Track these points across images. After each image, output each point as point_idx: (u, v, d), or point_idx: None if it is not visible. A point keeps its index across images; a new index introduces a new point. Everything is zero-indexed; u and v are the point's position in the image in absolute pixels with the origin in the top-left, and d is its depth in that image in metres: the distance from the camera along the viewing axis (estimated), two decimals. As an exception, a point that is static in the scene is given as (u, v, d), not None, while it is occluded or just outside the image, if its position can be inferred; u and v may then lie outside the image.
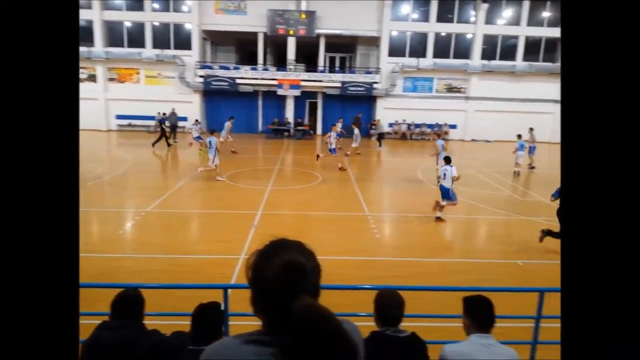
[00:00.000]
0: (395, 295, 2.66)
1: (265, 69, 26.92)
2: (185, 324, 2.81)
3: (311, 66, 27.29)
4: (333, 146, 16.95)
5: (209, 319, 2.69)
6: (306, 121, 27.18)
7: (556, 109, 26.93)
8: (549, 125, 26.24)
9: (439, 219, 10.90)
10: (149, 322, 3.03)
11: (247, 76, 26.08)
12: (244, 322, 4.20)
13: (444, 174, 10.78)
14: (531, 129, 18.88)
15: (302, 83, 25.74)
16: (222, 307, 2.99)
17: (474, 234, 10.61)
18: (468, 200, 13.05)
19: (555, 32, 26.52)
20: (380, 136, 23.56)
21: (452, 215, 11.85)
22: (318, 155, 17.42)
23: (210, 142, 14.26)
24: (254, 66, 26.85)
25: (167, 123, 22.38)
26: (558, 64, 26.38)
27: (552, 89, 26.82)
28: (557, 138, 26.44)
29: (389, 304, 2.61)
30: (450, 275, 7.66)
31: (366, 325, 2.77)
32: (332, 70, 27.76)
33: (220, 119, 28.67)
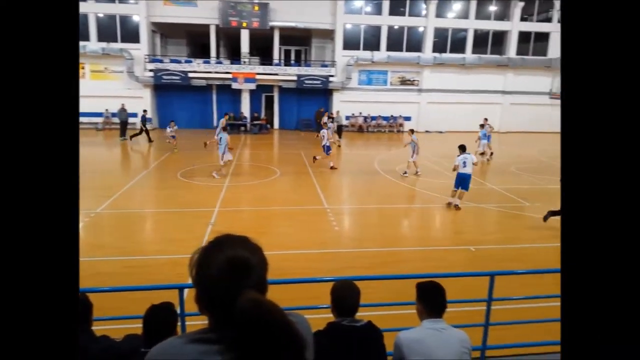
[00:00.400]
0: (351, 286, 2.67)
1: (219, 62, 26.32)
2: (140, 327, 2.71)
3: (266, 59, 26.96)
4: (327, 142, 15.86)
5: (161, 320, 2.61)
6: (263, 115, 26.87)
7: (504, 99, 28.13)
8: (497, 115, 27.39)
9: (457, 207, 11.25)
10: (101, 328, 2.90)
11: (200, 70, 25.39)
12: (202, 322, 4.09)
13: (464, 162, 11.00)
14: (486, 119, 19.60)
15: (258, 76, 25.39)
16: (177, 308, 2.90)
17: (429, 222, 10.92)
18: (423, 190, 13.41)
19: (502, 26, 27.62)
20: (339, 129, 23.75)
21: (409, 205, 12.14)
22: (315, 157, 16.30)
23: (220, 138, 14.00)
24: (207, 59, 26.18)
25: (118, 119, 22.03)
26: (505, 56, 27.53)
27: (500, 80, 27.96)
28: (506, 127, 27.65)
29: (344, 295, 2.62)
30: (407, 264, 7.85)
31: (325, 318, 2.78)
32: (287, 63, 27.56)
33: (172, 115, 27.73)
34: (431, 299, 2.65)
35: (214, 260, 1.11)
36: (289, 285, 5.51)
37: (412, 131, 15.72)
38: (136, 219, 10.17)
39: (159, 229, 9.68)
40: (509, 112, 27.44)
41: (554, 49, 27.15)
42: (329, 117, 23.22)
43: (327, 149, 15.75)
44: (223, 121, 18.22)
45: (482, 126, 17.99)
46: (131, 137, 21.05)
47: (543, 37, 27.92)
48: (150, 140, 21.14)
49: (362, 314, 3.33)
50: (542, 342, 4.12)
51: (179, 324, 3.74)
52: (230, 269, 1.09)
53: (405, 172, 14.95)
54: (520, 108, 27.62)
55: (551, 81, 23.36)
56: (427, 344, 2.50)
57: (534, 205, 11.87)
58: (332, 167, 15.72)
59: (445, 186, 13.88)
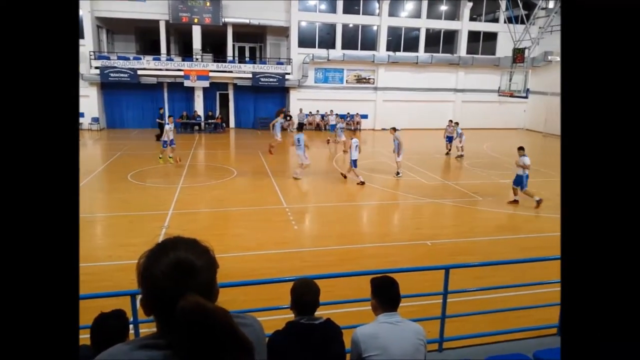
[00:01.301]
0: (309, 284, 2.67)
1: (170, 59, 25.46)
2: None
3: (220, 56, 26.37)
4: (354, 155, 13.46)
5: (110, 329, 2.49)
6: (217, 114, 26.29)
7: (456, 97, 29.08)
8: (450, 112, 28.28)
9: (517, 201, 11.87)
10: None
11: (150, 67, 24.44)
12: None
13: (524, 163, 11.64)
14: (450, 121, 20.09)
15: (211, 74, 24.79)
16: (130, 316, 2.77)
17: (388, 219, 11.09)
18: (381, 187, 13.60)
19: (452, 25, 28.51)
20: (300, 127, 23.70)
21: (369, 203, 12.27)
22: (344, 175, 14.34)
23: (298, 139, 13.91)
24: (157, 56, 25.24)
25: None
26: (456, 55, 28.44)
27: (452, 78, 28.86)
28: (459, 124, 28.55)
29: (302, 293, 2.61)
30: (367, 260, 7.92)
31: (287, 318, 2.73)
32: (242, 60, 27.07)
33: (122, 114, 26.50)
34: (385, 294, 2.69)
35: (159, 263, 1.09)
36: (250, 286, 5.41)
37: (394, 129, 15.49)
38: (85, 224, 9.63)
39: (109, 234, 9.22)
40: (461, 109, 28.39)
41: (502, 48, 28.33)
42: (286, 116, 23.05)
43: (354, 163, 13.47)
44: (285, 122, 17.97)
45: (457, 123, 18.69)
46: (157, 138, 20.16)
47: (491, 37, 29.09)
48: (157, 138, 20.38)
49: (323, 312, 3.29)
50: (496, 331, 4.26)
51: (131, 332, 3.55)
52: (174, 271, 1.07)
53: (398, 173, 14.68)
54: (472, 105, 28.66)
55: (499, 79, 24.35)
56: (383, 338, 2.53)
57: (486, 199, 12.34)
58: (361, 183, 13.43)
59: (403, 183, 14.14)
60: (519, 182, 11.65)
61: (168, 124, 15.39)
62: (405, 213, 11.43)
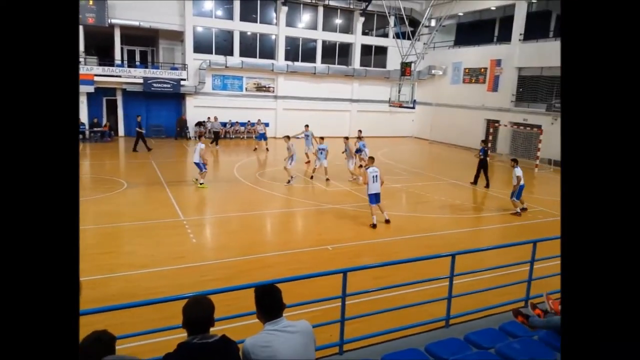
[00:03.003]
0: (200, 302, 2.55)
1: (47, 61, 22.86)
2: None
3: (106, 60, 24.32)
4: (373, 190, 10.88)
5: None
6: (104, 122, 24.16)
7: (352, 107, 30.43)
8: (347, 121, 29.48)
9: (524, 209, 12.37)
10: None
11: (22, 69, 21.66)
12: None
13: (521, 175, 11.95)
14: (360, 131, 19.73)
15: (96, 78, 22.74)
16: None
17: (290, 226, 11.10)
18: (283, 194, 13.61)
19: (346, 38, 29.85)
20: (216, 135, 23.06)
21: (270, 211, 12.17)
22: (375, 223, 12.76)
23: (322, 150, 14.52)
24: (31, 57, 22.48)
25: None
26: (351, 67, 29.81)
27: (348, 89, 30.17)
28: (354, 133, 29.86)
29: (192, 312, 2.49)
30: (269, 269, 7.82)
31: (181, 338, 2.53)
32: (131, 64, 25.27)
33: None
34: (265, 302, 2.69)
35: None
36: (141, 307, 4.95)
37: (359, 138, 16.01)
38: None
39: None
40: (356, 119, 29.76)
41: (392, 61, 30.38)
42: (200, 124, 21.86)
43: (373, 198, 10.77)
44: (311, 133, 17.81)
45: (359, 138, 18.04)
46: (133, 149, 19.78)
47: (382, 51, 31.05)
48: (149, 149, 20.13)
49: (225, 327, 3.12)
50: (392, 329, 4.45)
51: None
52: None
53: (289, 181, 14.54)
54: (366, 115, 30.21)
55: (390, 90, 26.06)
56: (272, 345, 2.54)
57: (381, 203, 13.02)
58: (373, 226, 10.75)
59: (304, 190, 14.31)
60: (520, 194, 12.14)
61: (202, 144, 13.62)
62: (309, 220, 11.56)
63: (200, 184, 13.82)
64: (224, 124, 26.36)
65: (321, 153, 15.30)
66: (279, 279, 3.96)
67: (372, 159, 11.51)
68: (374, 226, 10.59)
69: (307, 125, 19.65)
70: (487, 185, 15.55)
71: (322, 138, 15.67)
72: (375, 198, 10.69)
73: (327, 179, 15.18)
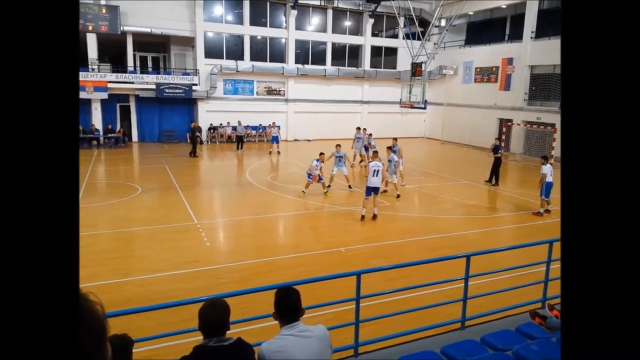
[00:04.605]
0: (215, 305, 2.57)
1: (62, 69, 23.26)
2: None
3: (119, 66, 24.68)
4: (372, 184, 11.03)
5: None
6: (118, 127, 24.51)
7: (362, 108, 30.40)
8: (357, 123, 29.42)
9: (548, 210, 12.02)
10: None
11: (38, 77, 22.08)
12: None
13: (551, 173, 11.71)
14: (362, 129, 20.25)
15: (110, 85, 23.09)
16: None
17: (303, 229, 11.11)
18: (295, 197, 13.63)
19: (356, 40, 29.85)
20: (240, 139, 23.29)
21: (282, 214, 12.20)
22: (398, 195, 13.60)
23: (392, 161, 13.45)
24: (46, 65, 22.91)
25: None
26: (361, 69, 29.79)
27: (358, 90, 30.15)
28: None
29: (208, 315, 2.50)
30: (282, 272, 7.83)
31: (197, 340, 2.55)
32: (144, 71, 25.61)
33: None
34: (282, 306, 2.68)
35: None
36: (157, 311, 5.01)
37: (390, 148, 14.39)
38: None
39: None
40: (367, 120, 29.72)
41: (402, 62, 30.28)
42: (194, 128, 22.10)
43: (369, 191, 11.08)
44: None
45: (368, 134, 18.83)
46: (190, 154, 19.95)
47: (392, 52, 30.97)
48: (195, 155, 20.14)
49: (240, 330, 3.14)
50: (407, 331, 4.42)
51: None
52: None
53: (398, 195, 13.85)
54: (377, 116, 30.15)
55: (400, 91, 25.97)
56: (288, 350, 2.53)
57: (393, 204, 12.96)
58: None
59: (317, 192, 14.32)
60: (547, 192, 11.85)
61: (318, 160, 13.31)
62: (321, 222, 11.56)
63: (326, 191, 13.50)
64: (234, 128, 26.54)
65: (339, 161, 14.19)
66: (294, 282, 3.96)
67: (375, 153, 11.55)
68: (362, 218, 11.06)
69: (358, 128, 19.85)
70: (496, 183, 15.48)
71: (338, 145, 14.54)
72: (371, 191, 10.95)
73: (350, 187, 14.42)
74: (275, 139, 22.43)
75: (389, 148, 14.00)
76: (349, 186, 14.44)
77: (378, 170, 10.84)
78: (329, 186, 14.02)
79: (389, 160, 13.58)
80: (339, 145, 14.47)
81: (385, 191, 13.72)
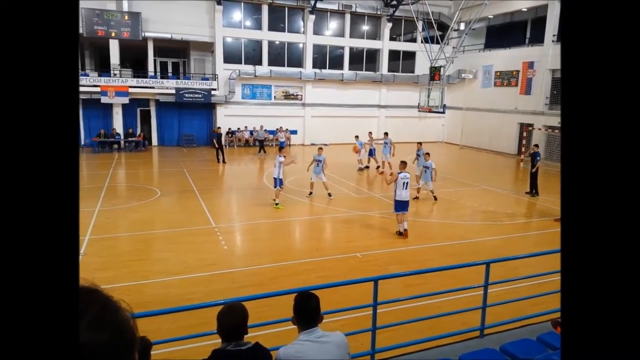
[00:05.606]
0: (234, 308, 2.58)
1: (85, 74, 23.83)
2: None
3: (140, 71, 25.18)
4: (400, 197, 10.16)
5: None
6: (139, 131, 24.97)
7: (380, 112, 30.30)
8: (375, 127, 29.32)
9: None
10: None
11: (63, 82, 22.66)
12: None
13: None
14: (370, 133, 20.46)
15: (131, 90, 23.57)
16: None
17: (320, 233, 11.11)
18: (309, 201, 13.64)
19: (374, 44, 29.81)
20: (261, 143, 23.66)
21: (300, 218, 12.22)
22: (435, 197, 13.74)
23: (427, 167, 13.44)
24: (71, 71, 23.50)
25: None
26: (379, 73, 29.71)
27: (375, 95, 30.07)
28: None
29: (226, 319, 2.52)
30: (298, 276, 7.83)
31: (215, 344, 2.57)
32: (164, 76, 26.07)
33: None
34: (301, 311, 2.68)
35: None
36: (175, 313, 5.06)
37: (427, 154, 13.95)
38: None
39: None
40: (384, 124, 29.60)
41: (420, 66, 30.10)
42: (220, 134, 22.28)
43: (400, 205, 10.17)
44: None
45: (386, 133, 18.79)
46: (218, 160, 19.97)
47: (410, 56, 30.81)
48: (222, 161, 20.02)
49: (257, 334, 3.15)
50: (425, 338, 4.36)
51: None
52: None
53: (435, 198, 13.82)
54: (394, 120, 29.99)
55: (418, 95, 25.81)
56: (305, 356, 2.53)
57: (410, 209, 12.84)
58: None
59: (334, 197, 14.31)
60: None
61: (281, 156, 12.54)
62: (337, 227, 11.53)
63: (276, 204, 12.57)
64: (251, 132, 26.75)
65: (317, 165, 13.49)
66: (311, 287, 3.96)
67: (404, 163, 10.41)
68: (400, 234, 10.18)
69: (386, 133, 19.57)
70: (537, 193, 14.69)
71: (320, 148, 13.99)
72: (401, 206, 9.96)
73: (329, 194, 13.70)
74: (281, 144, 22.46)
75: (427, 154, 13.82)
76: (329, 194, 13.66)
77: (407, 183, 9.96)
78: (311, 193, 13.77)
79: (425, 167, 13.40)
80: (321, 148, 14.24)
81: (416, 198, 13.53)
